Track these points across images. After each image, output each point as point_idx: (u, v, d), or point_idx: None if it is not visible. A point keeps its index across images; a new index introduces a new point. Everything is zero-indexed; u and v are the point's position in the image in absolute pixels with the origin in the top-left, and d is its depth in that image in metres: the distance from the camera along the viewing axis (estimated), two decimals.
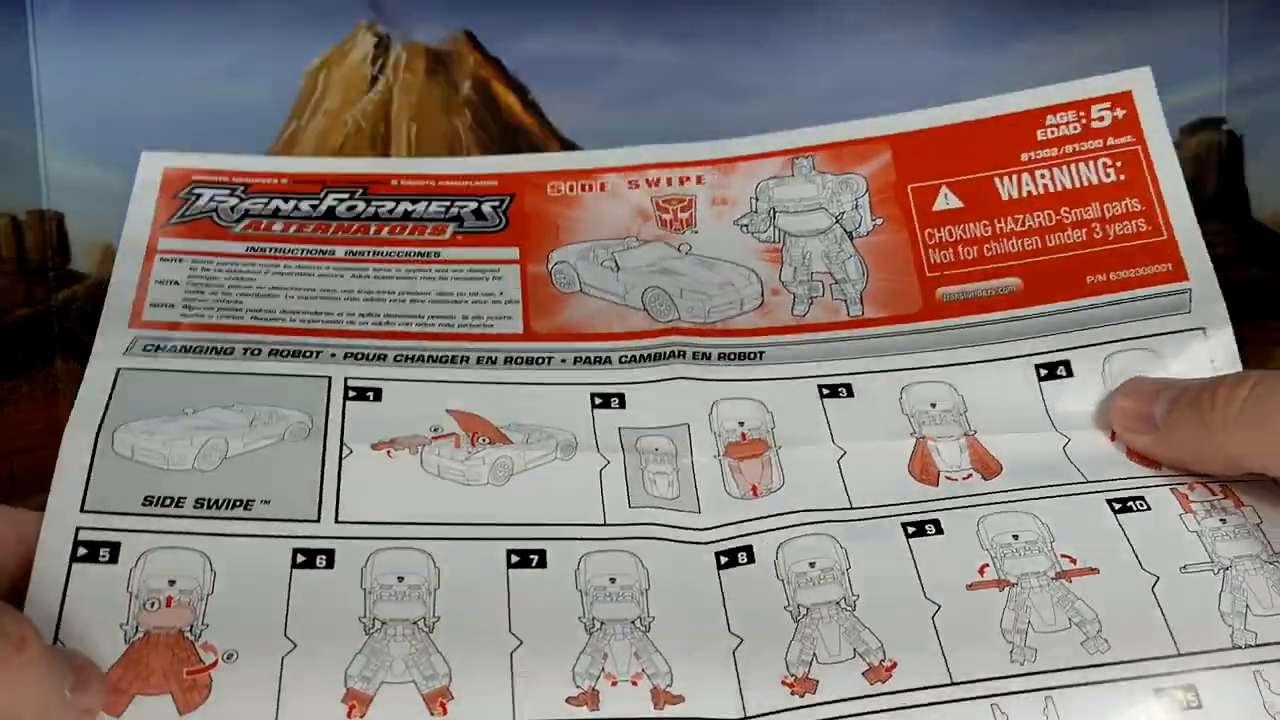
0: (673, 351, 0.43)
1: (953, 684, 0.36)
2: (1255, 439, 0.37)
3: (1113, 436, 0.41)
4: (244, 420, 0.39)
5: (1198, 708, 0.35)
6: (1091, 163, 0.46)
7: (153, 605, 0.35)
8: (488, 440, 0.40)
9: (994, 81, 0.71)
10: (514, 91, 0.71)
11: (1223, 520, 0.38)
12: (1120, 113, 0.46)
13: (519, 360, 0.43)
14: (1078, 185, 0.46)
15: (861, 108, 0.63)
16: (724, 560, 0.38)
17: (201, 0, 0.65)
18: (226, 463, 0.38)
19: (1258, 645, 0.36)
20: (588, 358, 0.43)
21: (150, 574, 0.35)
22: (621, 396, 0.42)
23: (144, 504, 0.37)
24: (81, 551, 0.35)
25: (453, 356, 0.43)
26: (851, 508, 0.39)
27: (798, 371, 0.43)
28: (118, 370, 0.40)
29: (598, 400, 0.42)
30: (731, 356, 0.43)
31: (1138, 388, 0.41)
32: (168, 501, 0.37)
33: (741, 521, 0.39)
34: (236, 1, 0.66)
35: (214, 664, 0.34)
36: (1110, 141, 0.46)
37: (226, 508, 0.37)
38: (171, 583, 0.35)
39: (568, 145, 0.72)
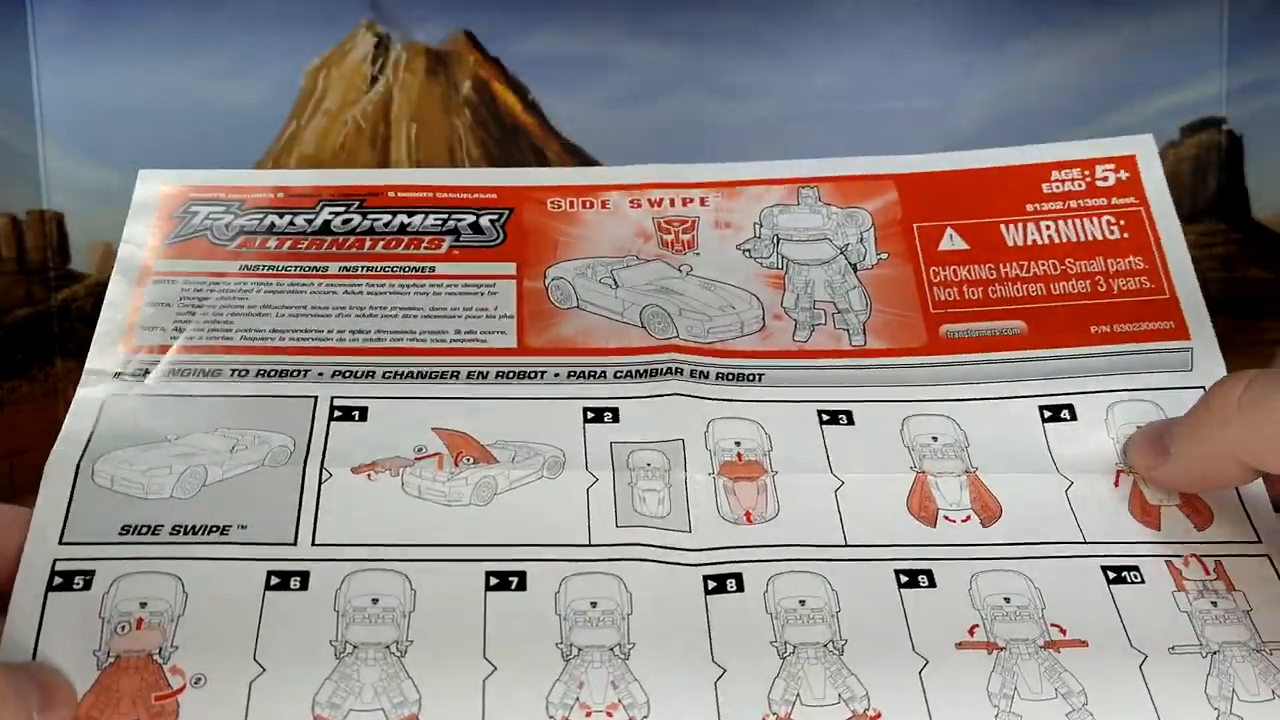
0: (669, 368, 0.42)
1: None
2: (1256, 433, 0.36)
3: (1116, 482, 0.41)
4: (225, 446, 0.39)
5: None
6: (1096, 219, 0.46)
7: (123, 629, 0.35)
8: (472, 460, 0.39)
9: (993, 81, 0.71)
10: (514, 91, 0.71)
11: (1213, 603, 0.38)
12: (1124, 174, 0.47)
13: (510, 375, 0.42)
14: (1082, 239, 0.46)
15: (862, 108, 0.63)
16: (712, 585, 0.37)
17: (201, 0, 0.65)
18: (205, 490, 0.38)
19: None
20: (581, 372, 0.42)
21: (122, 598, 0.35)
22: (615, 411, 0.41)
23: (121, 533, 0.37)
24: (57, 580, 0.35)
25: (442, 372, 0.42)
26: (846, 544, 0.38)
27: (797, 396, 0.42)
28: (103, 399, 0.40)
29: (590, 415, 0.41)
30: (730, 377, 0.42)
31: (1145, 434, 0.41)
32: (144, 529, 0.37)
33: (733, 547, 0.38)
34: (236, 1, 0.66)
35: (181, 689, 0.34)
36: (1114, 201, 0.46)
37: (203, 533, 0.37)
38: (143, 604, 0.35)
39: (567, 145, 0.72)
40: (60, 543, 0.36)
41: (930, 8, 0.72)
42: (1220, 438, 0.37)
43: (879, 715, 0.35)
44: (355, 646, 0.35)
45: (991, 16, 0.71)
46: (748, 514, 0.39)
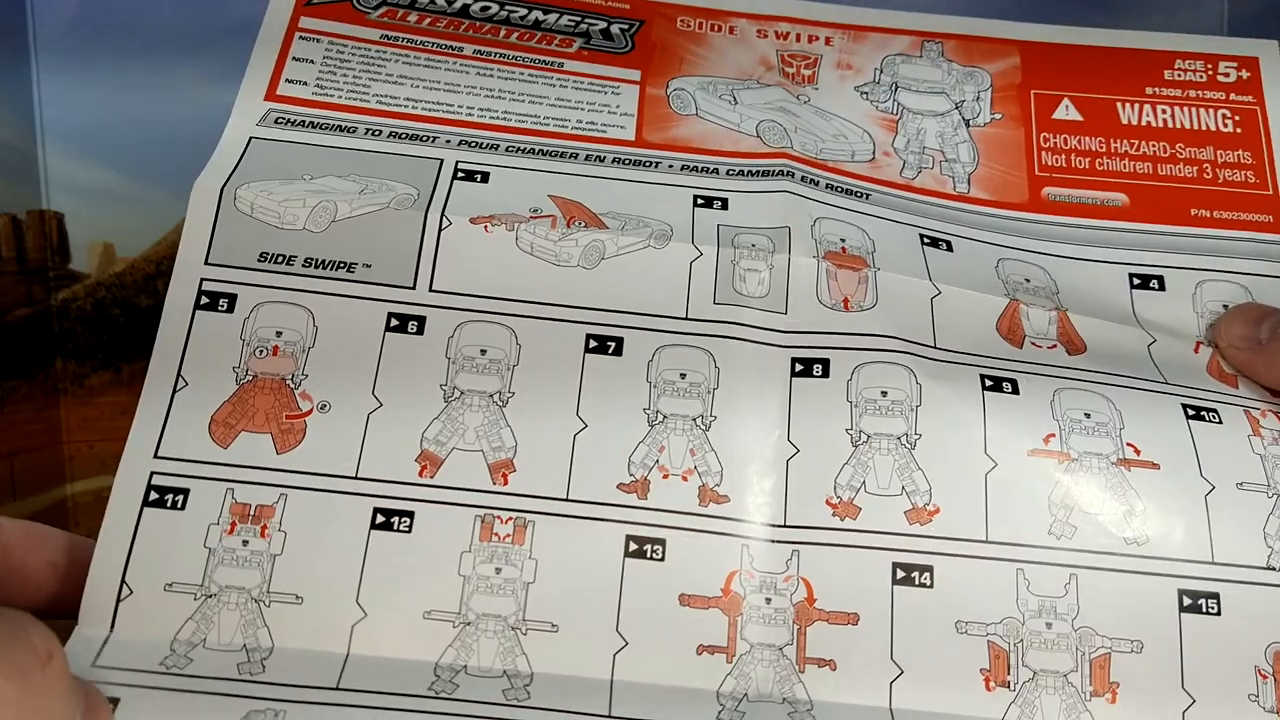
0: (781, 171, 0.43)
1: (986, 542, 0.37)
2: None
3: (1196, 349, 0.42)
4: (355, 188, 0.41)
5: (1216, 614, 0.36)
6: (1211, 111, 0.47)
7: (261, 352, 0.38)
8: (583, 224, 0.41)
9: None
10: None
11: None
12: (1245, 74, 0.47)
13: (626, 162, 0.44)
14: (1195, 128, 0.46)
15: None
16: (799, 368, 0.39)
17: (202, 0, 0.65)
18: (335, 225, 0.40)
19: None
20: (695, 167, 0.44)
21: (261, 324, 0.38)
22: (725, 200, 0.42)
23: (259, 259, 0.39)
24: (204, 300, 0.38)
25: (562, 153, 0.44)
26: (935, 346, 0.39)
27: (901, 219, 0.43)
28: (250, 138, 0.42)
29: (700, 200, 0.42)
30: (839, 190, 0.43)
31: (1245, 311, 0.42)
32: (280, 259, 0.39)
33: (826, 333, 0.39)
34: (237, 1, 0.66)
35: (309, 412, 0.37)
36: (1232, 97, 0.47)
37: (331, 268, 0.39)
38: (279, 333, 0.38)
39: None
40: (206, 263, 0.39)
41: (931, 8, 0.72)
42: None
43: (938, 511, 0.37)
44: (462, 392, 0.38)
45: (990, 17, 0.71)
46: (845, 300, 0.40)
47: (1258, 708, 0.36)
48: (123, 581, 0.35)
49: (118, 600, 0.35)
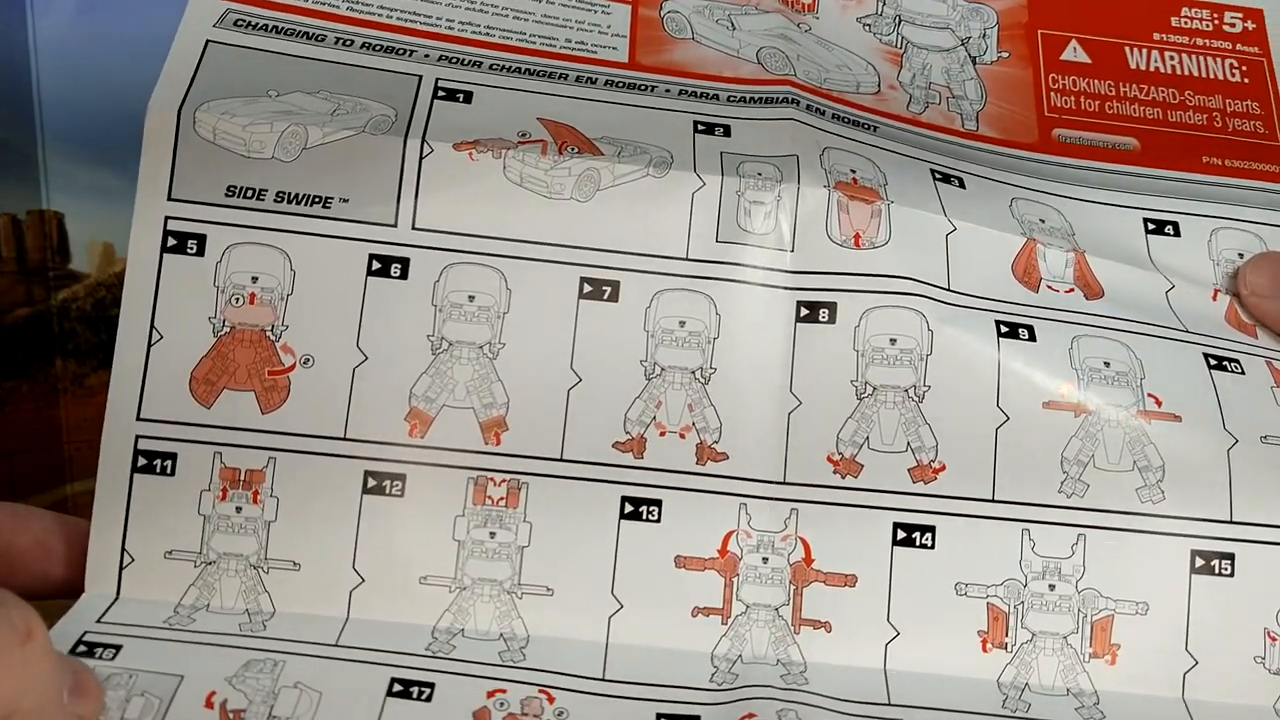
0: (786, 98, 0.41)
1: (992, 501, 0.36)
2: None
3: (1214, 297, 0.40)
4: (327, 109, 0.37)
5: (1229, 576, 0.35)
6: (1219, 60, 0.46)
7: (237, 301, 0.35)
8: (576, 150, 0.37)
9: None
10: None
11: None
12: (1250, 25, 0.46)
13: (620, 84, 0.41)
14: (1204, 76, 0.45)
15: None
16: (804, 312, 0.36)
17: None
18: (306, 153, 0.36)
19: None
20: (694, 92, 0.41)
21: (235, 269, 0.35)
22: (727, 127, 0.39)
23: (227, 194, 0.36)
24: (171, 242, 0.35)
25: (551, 73, 0.40)
26: (949, 289, 0.37)
27: (911, 153, 0.41)
28: (206, 42, 0.38)
29: (701, 127, 0.39)
30: (845, 120, 0.41)
31: (1269, 259, 0.41)
32: (249, 193, 0.36)
33: (834, 274, 0.37)
34: None
35: (292, 367, 0.35)
36: (1239, 47, 0.46)
37: (305, 203, 0.36)
38: (254, 279, 0.35)
39: None
40: (170, 199, 0.36)
41: None
42: None
43: (943, 469, 0.36)
44: (451, 343, 0.36)
45: None
46: (857, 236, 0.37)
47: (1262, 670, 0.35)
48: (123, 550, 0.34)
49: (120, 568, 0.34)
